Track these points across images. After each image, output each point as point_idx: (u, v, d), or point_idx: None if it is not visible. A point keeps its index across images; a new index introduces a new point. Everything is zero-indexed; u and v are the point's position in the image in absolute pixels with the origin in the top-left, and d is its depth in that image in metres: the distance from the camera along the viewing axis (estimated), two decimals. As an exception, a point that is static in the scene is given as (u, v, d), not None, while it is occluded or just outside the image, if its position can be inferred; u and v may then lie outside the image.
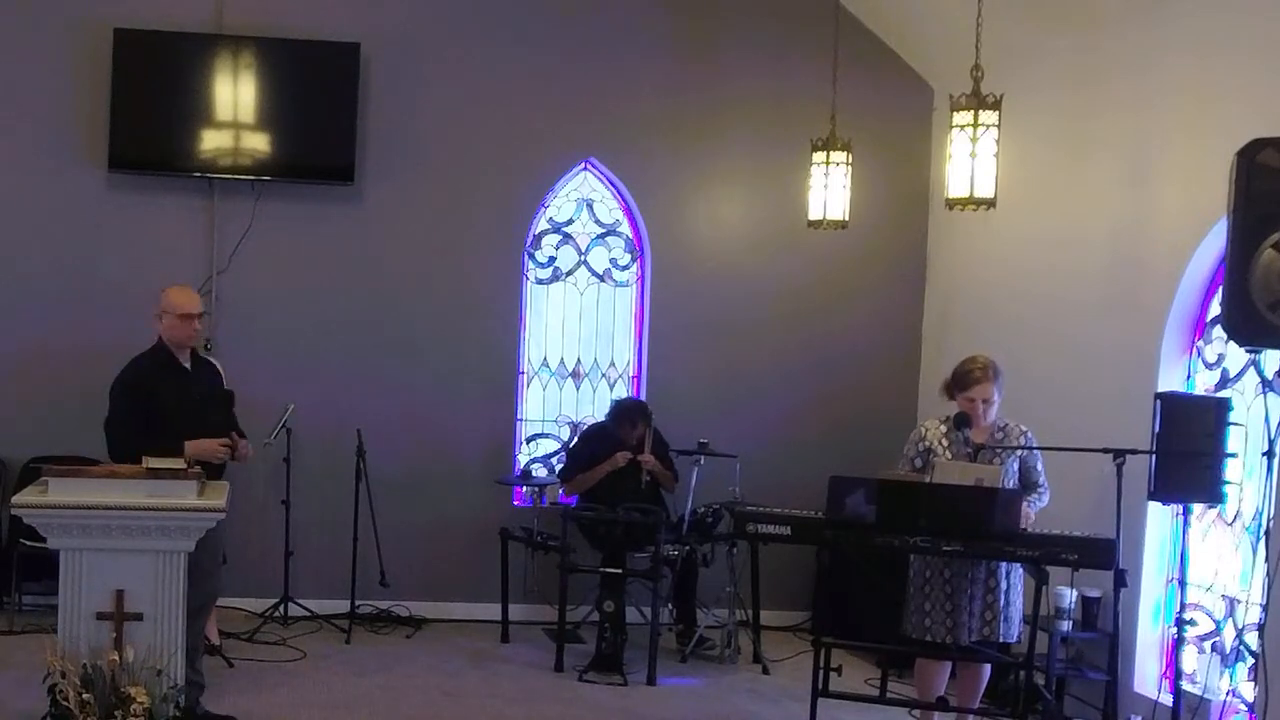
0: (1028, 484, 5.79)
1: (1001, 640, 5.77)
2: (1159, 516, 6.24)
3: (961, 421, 5.75)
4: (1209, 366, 6.16)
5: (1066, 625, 6.22)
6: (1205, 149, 5.76)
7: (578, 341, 8.49)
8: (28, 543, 6.87)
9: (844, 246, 8.10)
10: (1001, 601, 5.69)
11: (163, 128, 7.73)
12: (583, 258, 8.47)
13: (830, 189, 7.19)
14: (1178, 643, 5.85)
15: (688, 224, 8.35)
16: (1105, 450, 5.41)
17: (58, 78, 7.74)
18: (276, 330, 7.87)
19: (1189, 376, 6.25)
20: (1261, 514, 5.42)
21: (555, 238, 8.42)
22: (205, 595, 5.74)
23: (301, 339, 7.94)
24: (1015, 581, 5.74)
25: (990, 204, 5.58)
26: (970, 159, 5.48)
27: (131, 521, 5.13)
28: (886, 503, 5.50)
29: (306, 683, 6.69)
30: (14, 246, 7.72)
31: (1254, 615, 5.46)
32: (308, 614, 7.74)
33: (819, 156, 7.20)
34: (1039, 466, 5.82)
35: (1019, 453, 5.76)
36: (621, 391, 8.45)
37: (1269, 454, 5.15)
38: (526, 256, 8.32)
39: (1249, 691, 5.55)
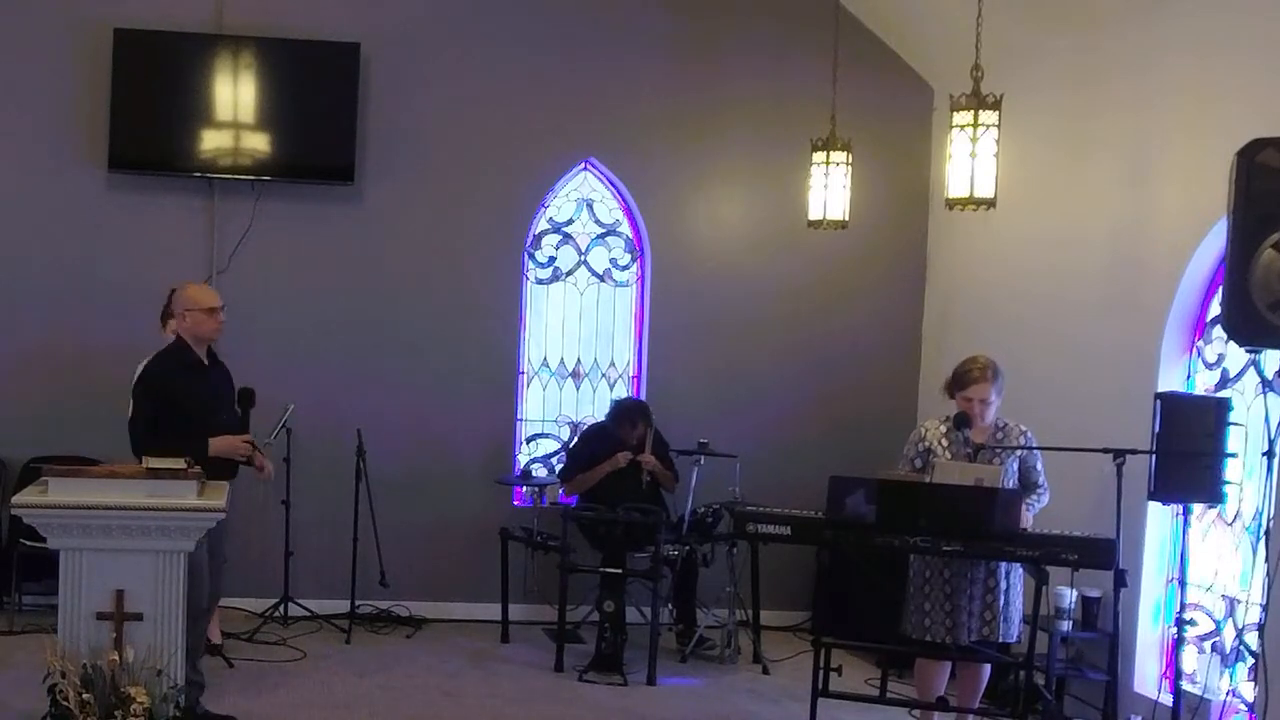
0: (1027, 484, 5.79)
1: (1001, 640, 5.77)
2: (1159, 516, 6.23)
3: (961, 422, 5.75)
4: (1209, 366, 6.16)
5: (1066, 625, 6.22)
6: (1205, 149, 5.76)
7: (578, 341, 8.49)
8: (28, 543, 6.87)
9: (844, 246, 8.10)
10: (1001, 601, 5.69)
11: (163, 128, 7.73)
12: (583, 258, 8.47)
13: (830, 189, 7.19)
14: (1178, 643, 5.85)
15: (688, 224, 8.35)
16: (1105, 450, 5.41)
17: (58, 78, 7.74)
18: (276, 330, 7.86)
19: (1189, 376, 6.25)
20: (1261, 514, 5.42)
21: (555, 238, 8.43)
22: (208, 596, 5.75)
23: (301, 339, 7.94)
24: (1015, 581, 5.74)
25: (990, 204, 5.57)
26: (970, 159, 5.48)
27: (131, 521, 5.13)
28: (886, 503, 5.50)
29: (306, 683, 6.69)
30: (14, 246, 7.72)
31: (1254, 615, 5.46)
32: (308, 614, 7.75)
33: (819, 156, 7.20)
34: (1039, 466, 5.82)
35: (1019, 453, 5.76)
36: (621, 391, 8.45)
37: (1269, 454, 5.15)
38: (526, 256, 8.32)
39: (1249, 691, 5.55)
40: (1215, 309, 5.87)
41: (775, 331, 8.35)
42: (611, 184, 8.41)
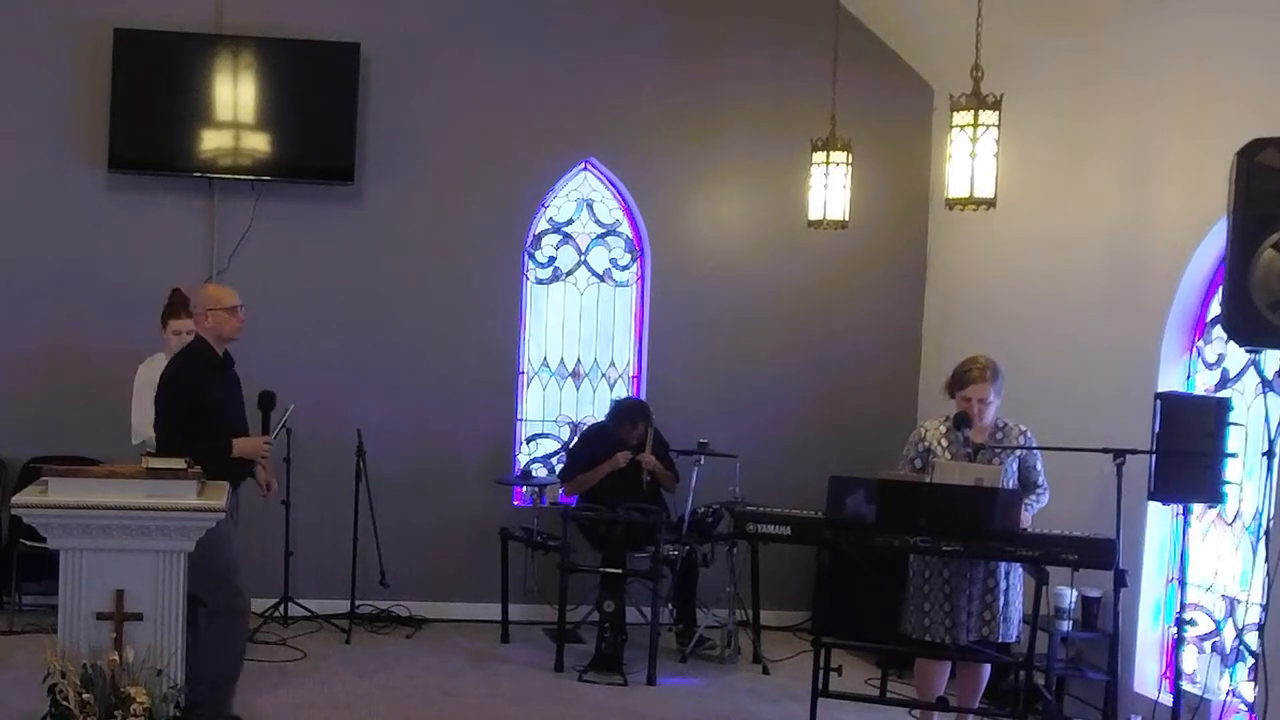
0: (1027, 484, 5.79)
1: (1001, 640, 5.77)
2: (1159, 516, 6.23)
3: (961, 421, 5.75)
4: (1209, 366, 6.16)
5: (1066, 625, 6.21)
6: (1205, 149, 5.76)
7: (578, 341, 8.49)
8: (28, 543, 6.87)
9: (844, 246, 8.10)
10: (1001, 601, 5.69)
11: (163, 128, 7.73)
12: (583, 258, 8.47)
13: (830, 189, 7.19)
14: (1178, 643, 5.85)
15: (688, 224, 8.35)
16: (1105, 450, 5.41)
17: (58, 78, 7.74)
18: (276, 330, 7.84)
19: (1189, 376, 6.24)
20: (1261, 514, 5.42)
21: (555, 238, 8.43)
22: (235, 609, 5.72)
23: (301, 339, 7.94)
24: (1015, 581, 5.74)
25: (990, 204, 5.58)
26: (970, 159, 5.48)
27: (131, 521, 5.12)
28: (886, 503, 5.51)
29: (306, 683, 6.69)
30: (14, 246, 7.72)
31: (1254, 615, 5.46)
32: (308, 614, 7.75)
33: (819, 156, 7.20)
34: (1039, 466, 5.82)
35: (1018, 453, 5.76)
36: (621, 391, 8.45)
37: (1269, 454, 5.15)
38: (526, 256, 8.32)
39: (1249, 691, 5.55)
40: (1215, 309, 5.87)
41: (775, 331, 8.35)
42: (611, 184, 8.41)
